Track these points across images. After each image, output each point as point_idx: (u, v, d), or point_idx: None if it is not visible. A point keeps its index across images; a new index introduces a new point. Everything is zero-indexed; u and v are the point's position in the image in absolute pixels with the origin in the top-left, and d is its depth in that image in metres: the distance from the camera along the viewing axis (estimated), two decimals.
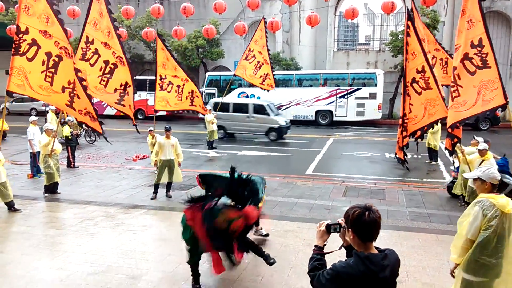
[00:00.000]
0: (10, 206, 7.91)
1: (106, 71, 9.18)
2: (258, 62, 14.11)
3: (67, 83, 7.79)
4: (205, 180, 5.76)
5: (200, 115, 25.28)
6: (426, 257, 5.90)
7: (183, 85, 11.30)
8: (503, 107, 6.86)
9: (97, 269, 5.45)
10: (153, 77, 11.76)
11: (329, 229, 2.54)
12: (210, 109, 16.36)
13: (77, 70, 7.92)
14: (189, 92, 11.45)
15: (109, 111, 27.54)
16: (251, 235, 5.61)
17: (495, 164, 7.29)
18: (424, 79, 7.19)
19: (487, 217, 3.53)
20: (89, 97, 8.12)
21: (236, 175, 5.35)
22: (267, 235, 6.47)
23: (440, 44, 11.91)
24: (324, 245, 2.57)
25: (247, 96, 25.64)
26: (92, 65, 9.05)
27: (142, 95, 25.60)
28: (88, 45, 9.01)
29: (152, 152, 10.98)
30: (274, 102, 24.92)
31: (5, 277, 5.22)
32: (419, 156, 13.90)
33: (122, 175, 11.37)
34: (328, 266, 2.46)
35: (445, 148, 7.55)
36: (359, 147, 16.32)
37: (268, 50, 14.32)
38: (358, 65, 30.07)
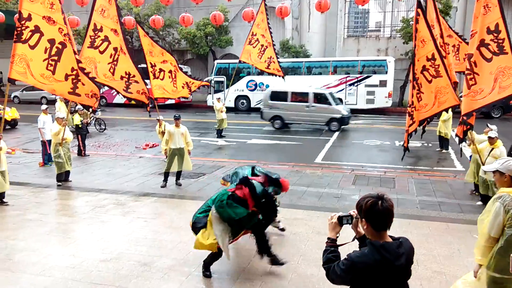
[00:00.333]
0: (0, 198, 7.78)
1: (115, 58, 9.16)
2: (262, 45, 13.91)
3: (70, 70, 7.75)
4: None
5: (209, 103, 25.36)
6: (437, 245, 5.88)
7: (175, 70, 11.14)
8: None
9: (108, 256, 5.53)
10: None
11: (341, 221, 2.55)
12: (219, 98, 16.33)
13: (78, 61, 7.89)
14: (183, 83, 11.33)
15: (119, 99, 27.75)
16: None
17: (505, 152, 7.21)
18: (434, 67, 7.07)
19: (509, 213, 3.37)
20: (92, 80, 8.15)
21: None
22: (283, 229, 6.33)
23: (452, 29, 11.69)
24: (337, 237, 2.57)
25: (256, 85, 25.56)
26: (101, 52, 9.00)
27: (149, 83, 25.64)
28: (96, 32, 8.95)
29: (162, 140, 11.04)
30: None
31: (19, 264, 5.32)
32: (430, 144, 13.78)
33: (132, 163, 11.46)
34: (342, 257, 2.46)
35: (456, 135, 7.46)
36: (369, 135, 16.21)
37: (271, 32, 14.10)
38: (368, 52, 29.71)
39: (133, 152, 13.21)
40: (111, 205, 7.76)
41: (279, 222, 6.28)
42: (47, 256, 5.52)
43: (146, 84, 9.91)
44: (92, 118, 16.48)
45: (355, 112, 24.14)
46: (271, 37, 14.08)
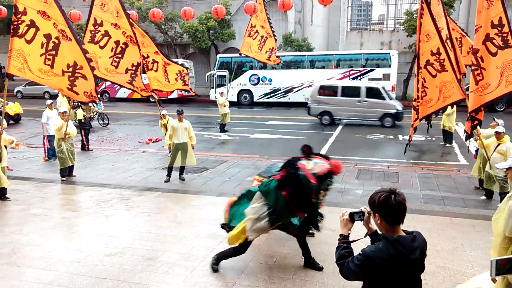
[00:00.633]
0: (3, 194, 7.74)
1: (118, 52, 9.08)
2: (262, 37, 13.80)
3: (66, 66, 7.70)
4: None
5: (212, 98, 25.33)
6: (440, 240, 5.88)
7: (164, 64, 11.05)
8: None
9: (113, 250, 5.55)
10: None
11: (352, 217, 2.56)
12: (222, 92, 16.31)
13: (85, 51, 7.86)
14: (177, 74, 11.18)
15: (122, 94, 27.80)
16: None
17: (511, 147, 7.15)
18: (439, 61, 7.02)
19: None
20: (95, 79, 8.11)
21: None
22: (312, 234, 5.84)
23: (454, 22, 11.62)
24: (349, 233, 2.59)
25: (258, 79, 25.50)
26: (102, 47, 8.96)
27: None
28: (96, 27, 8.89)
29: (165, 134, 11.05)
30: (285, 84, 24.89)
31: (25, 258, 5.36)
32: (434, 138, 13.74)
33: (136, 158, 11.48)
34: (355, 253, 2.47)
35: (464, 131, 7.42)
36: (372, 129, 16.17)
37: (270, 23, 13.99)
38: (371, 45, 29.54)
39: (136, 146, 13.24)
40: (115, 199, 7.78)
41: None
42: (52, 251, 5.55)
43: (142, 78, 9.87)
44: (96, 112, 16.51)
45: None
46: (271, 27, 13.95)
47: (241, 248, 4.91)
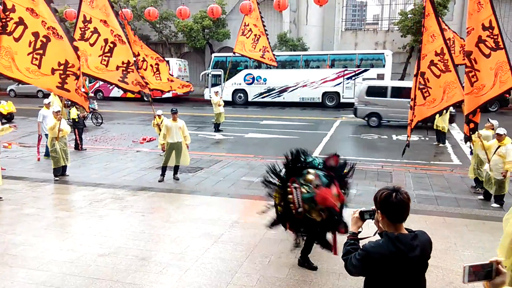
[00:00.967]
0: None
1: (106, 50, 8.98)
2: (255, 35, 13.79)
3: (57, 64, 7.58)
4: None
5: (207, 97, 25.30)
6: (433, 239, 5.79)
7: (156, 64, 10.99)
8: None
9: (106, 250, 5.53)
10: None
11: (362, 215, 2.62)
12: (217, 92, 16.28)
13: (76, 48, 7.76)
14: (168, 78, 11.17)
15: (115, 93, 27.68)
16: None
17: (511, 150, 7.18)
18: (443, 62, 7.08)
19: None
20: (82, 75, 8.06)
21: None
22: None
23: (444, 23, 11.70)
24: (359, 231, 2.65)
25: (253, 78, 25.50)
26: (92, 45, 8.85)
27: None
28: (86, 24, 8.78)
29: (159, 134, 11.01)
30: (280, 83, 24.91)
31: (18, 258, 5.32)
32: (427, 138, 13.81)
33: (130, 157, 11.44)
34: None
35: (464, 134, 7.48)
36: (366, 129, 16.23)
37: (263, 21, 13.99)
38: (366, 45, 29.66)
39: (130, 146, 13.19)
40: (109, 199, 7.75)
41: None
42: (45, 251, 5.52)
43: (143, 77, 9.83)
44: (90, 111, 16.41)
45: (352, 106, 24.14)
46: (264, 25, 13.94)
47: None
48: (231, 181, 9.03)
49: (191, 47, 30.86)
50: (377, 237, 2.61)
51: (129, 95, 27.72)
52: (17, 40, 7.15)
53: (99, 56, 8.93)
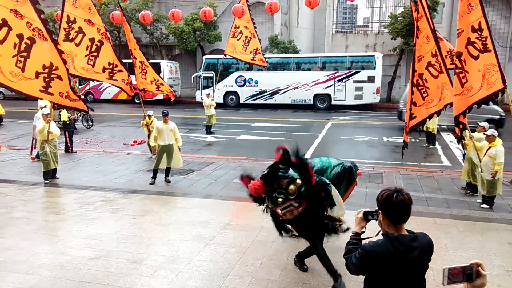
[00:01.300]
0: None
1: (93, 50, 8.88)
2: (246, 37, 13.81)
3: (41, 67, 7.39)
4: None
5: (198, 99, 25.25)
6: None
7: (146, 66, 10.95)
8: (502, 91, 6.86)
9: (97, 254, 5.49)
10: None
11: (366, 216, 2.64)
12: (209, 94, 16.26)
13: (60, 52, 7.64)
14: (152, 79, 11.06)
15: (106, 95, 27.53)
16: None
17: (502, 151, 7.25)
18: (438, 63, 7.18)
19: None
20: (69, 80, 7.87)
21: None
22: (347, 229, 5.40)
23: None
24: (362, 232, 2.68)
25: (245, 80, 25.54)
26: (77, 45, 8.75)
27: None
28: (70, 24, 8.66)
29: (147, 135, 11.02)
30: (271, 86, 24.97)
31: (7, 262, 5.25)
32: (417, 140, 13.93)
33: (121, 160, 11.37)
34: None
35: (456, 135, 7.56)
36: (357, 131, 16.32)
37: (254, 23, 14.01)
38: (357, 48, 29.86)
39: (121, 148, 13.11)
40: (100, 202, 7.70)
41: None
42: (35, 255, 5.46)
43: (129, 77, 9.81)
44: (80, 114, 16.30)
45: (343, 108, 24.35)
46: (255, 27, 13.96)
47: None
48: (223, 183, 9.02)
49: (183, 49, 30.82)
50: (380, 237, 2.64)
51: (121, 96, 27.57)
52: (1, 42, 6.97)
53: (85, 56, 8.83)
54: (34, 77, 7.37)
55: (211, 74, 25.50)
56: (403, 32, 24.65)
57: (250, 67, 23.16)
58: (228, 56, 14.31)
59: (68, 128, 12.19)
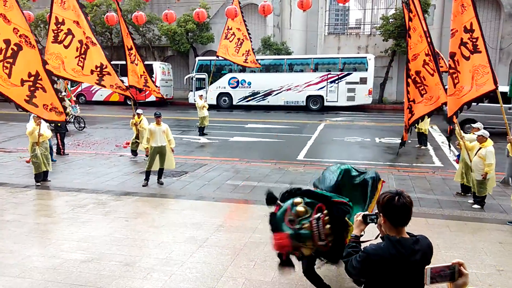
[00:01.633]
0: None
1: (82, 52, 8.80)
2: (239, 39, 13.83)
3: (27, 75, 7.22)
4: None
5: (191, 101, 25.19)
6: None
7: (139, 60, 10.89)
8: (493, 92, 6.91)
9: (90, 256, 5.45)
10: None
11: (365, 219, 2.62)
12: (201, 95, 16.23)
13: (45, 62, 7.48)
14: (143, 72, 11.04)
15: (98, 97, 27.37)
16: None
17: (491, 152, 7.29)
18: (431, 62, 7.24)
19: None
20: (56, 91, 7.70)
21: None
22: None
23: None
24: (362, 235, 2.66)
25: (237, 82, 25.53)
26: (66, 47, 8.65)
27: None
28: (59, 26, 8.55)
29: (135, 134, 11.20)
30: (264, 87, 25.00)
31: None
32: (409, 141, 14.01)
33: (113, 162, 11.31)
34: None
35: (447, 135, 7.62)
36: (350, 132, 16.39)
37: (246, 25, 14.05)
38: (349, 49, 30.00)
39: (113, 150, 13.04)
40: (92, 204, 7.65)
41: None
42: (26, 258, 5.41)
43: (122, 81, 9.76)
44: (71, 116, 16.20)
45: (336, 109, 24.44)
46: (247, 29, 14.00)
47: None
48: (216, 185, 9.01)
49: (175, 51, 30.74)
50: (379, 240, 2.64)
51: (113, 98, 27.41)
52: None
53: (76, 57, 8.73)
54: (19, 84, 7.19)
55: (204, 75, 25.46)
56: (394, 33, 24.82)
57: (243, 68, 23.15)
58: (220, 58, 14.32)
59: (59, 130, 12.10)
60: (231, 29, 13.76)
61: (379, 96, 27.09)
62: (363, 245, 2.65)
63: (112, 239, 6.04)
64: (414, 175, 9.86)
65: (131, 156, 11.77)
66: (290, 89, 24.74)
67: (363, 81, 23.64)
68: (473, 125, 8.36)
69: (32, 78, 7.29)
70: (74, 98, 22.57)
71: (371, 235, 2.91)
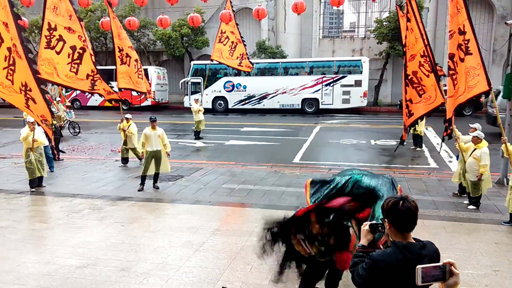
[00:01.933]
0: None
1: (75, 57, 8.76)
2: (232, 42, 13.88)
3: (21, 84, 7.24)
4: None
5: (186, 105, 25.17)
6: None
7: (139, 63, 10.89)
8: (487, 93, 6.94)
9: (85, 262, 5.42)
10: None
11: (372, 228, 2.56)
12: (197, 99, 16.23)
13: (36, 72, 7.46)
14: (136, 70, 11.07)
15: (93, 102, 27.29)
16: None
17: (486, 153, 7.32)
18: (427, 63, 7.26)
19: None
20: (47, 102, 7.63)
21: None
22: None
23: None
24: (369, 244, 2.59)
25: (233, 86, 25.56)
26: (58, 53, 8.61)
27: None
28: (51, 32, 8.52)
29: (123, 139, 11.21)
30: (260, 90, 25.04)
31: None
32: (405, 143, 14.03)
33: (108, 167, 11.26)
34: None
35: (443, 137, 7.64)
36: (345, 135, 16.43)
37: (238, 28, 14.11)
38: (343, 52, 30.12)
39: (108, 155, 12.99)
40: (87, 210, 7.61)
41: None
42: (21, 264, 5.37)
43: (112, 86, 9.75)
44: (66, 121, 16.14)
45: (331, 112, 24.51)
46: (239, 32, 14.05)
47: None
48: (212, 189, 8.99)
49: (170, 55, 30.75)
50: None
51: (107, 104, 27.37)
52: None
53: (68, 64, 8.70)
54: (19, 91, 7.25)
55: (199, 79, 25.45)
56: (388, 36, 24.96)
57: (238, 72, 23.16)
58: (215, 62, 14.34)
59: (54, 136, 12.01)
60: (224, 32, 13.81)
61: (374, 98, 27.20)
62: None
63: (108, 244, 6.01)
64: (410, 177, 9.88)
65: (120, 164, 11.44)
66: (285, 92, 24.79)
67: (358, 83, 23.73)
68: (470, 125, 8.40)
69: (24, 88, 7.29)
70: (69, 104, 22.53)
71: None
